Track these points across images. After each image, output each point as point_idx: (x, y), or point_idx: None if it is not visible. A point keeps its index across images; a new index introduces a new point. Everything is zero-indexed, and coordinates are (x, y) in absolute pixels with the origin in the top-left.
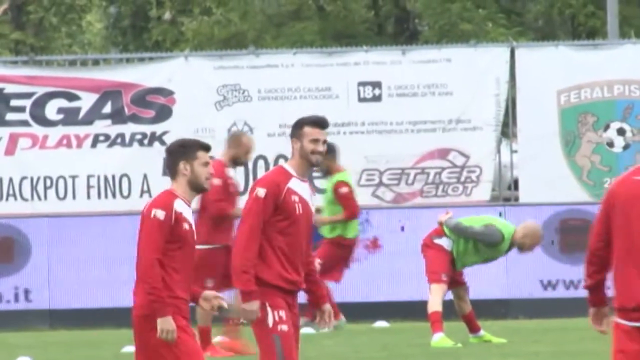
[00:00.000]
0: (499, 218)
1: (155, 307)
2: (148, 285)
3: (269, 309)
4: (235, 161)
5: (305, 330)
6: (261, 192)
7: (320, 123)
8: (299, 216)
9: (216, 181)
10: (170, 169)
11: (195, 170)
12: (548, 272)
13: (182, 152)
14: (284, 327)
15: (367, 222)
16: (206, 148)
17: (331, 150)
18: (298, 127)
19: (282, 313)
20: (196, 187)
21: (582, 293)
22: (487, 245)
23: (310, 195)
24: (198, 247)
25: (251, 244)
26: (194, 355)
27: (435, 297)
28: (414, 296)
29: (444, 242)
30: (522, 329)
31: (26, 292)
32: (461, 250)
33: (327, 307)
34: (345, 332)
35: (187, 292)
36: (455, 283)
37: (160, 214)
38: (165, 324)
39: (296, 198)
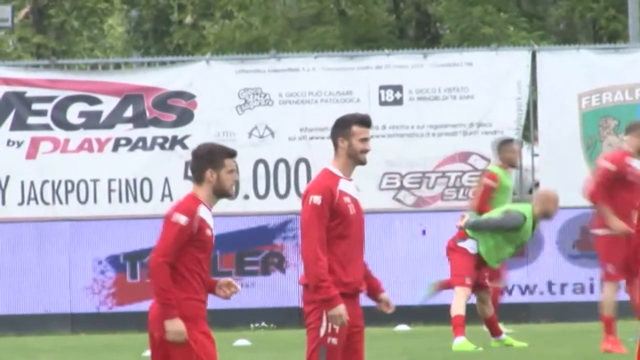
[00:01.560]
0: (512, 203)
1: (163, 310)
2: (157, 287)
3: (324, 318)
4: None
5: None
6: (317, 199)
7: (367, 121)
8: (353, 217)
9: (611, 167)
10: (196, 174)
11: (221, 178)
12: (567, 275)
13: (209, 160)
14: (334, 341)
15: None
16: (232, 155)
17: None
18: (345, 126)
19: (337, 326)
20: (221, 193)
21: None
22: (513, 230)
23: (357, 193)
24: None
25: (320, 254)
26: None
27: (459, 300)
28: (435, 300)
29: (468, 245)
30: (543, 332)
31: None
32: (492, 246)
33: (384, 296)
34: (365, 336)
35: (206, 295)
36: (479, 287)
37: (182, 219)
38: (174, 326)
39: (348, 199)
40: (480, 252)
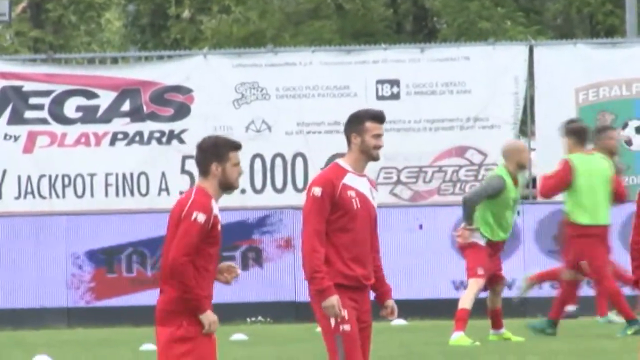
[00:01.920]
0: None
1: (194, 306)
2: (184, 286)
3: None
4: None
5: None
6: (317, 191)
7: (380, 117)
8: (357, 211)
9: None
10: (201, 167)
11: (226, 171)
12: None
13: (214, 153)
14: (346, 327)
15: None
16: (237, 148)
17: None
18: (358, 122)
19: (345, 312)
20: (226, 187)
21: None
22: (498, 193)
23: (370, 189)
24: None
25: (317, 245)
26: (207, 357)
27: (469, 293)
28: (431, 294)
29: (476, 238)
30: None
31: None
32: (492, 219)
33: (390, 302)
34: None
35: (212, 288)
36: (495, 278)
37: (201, 217)
38: (209, 318)
39: (352, 193)
40: (488, 237)
